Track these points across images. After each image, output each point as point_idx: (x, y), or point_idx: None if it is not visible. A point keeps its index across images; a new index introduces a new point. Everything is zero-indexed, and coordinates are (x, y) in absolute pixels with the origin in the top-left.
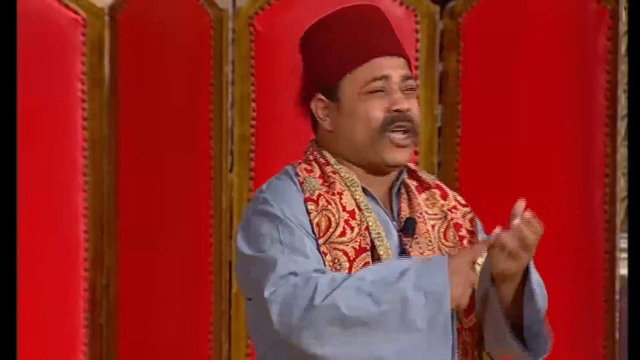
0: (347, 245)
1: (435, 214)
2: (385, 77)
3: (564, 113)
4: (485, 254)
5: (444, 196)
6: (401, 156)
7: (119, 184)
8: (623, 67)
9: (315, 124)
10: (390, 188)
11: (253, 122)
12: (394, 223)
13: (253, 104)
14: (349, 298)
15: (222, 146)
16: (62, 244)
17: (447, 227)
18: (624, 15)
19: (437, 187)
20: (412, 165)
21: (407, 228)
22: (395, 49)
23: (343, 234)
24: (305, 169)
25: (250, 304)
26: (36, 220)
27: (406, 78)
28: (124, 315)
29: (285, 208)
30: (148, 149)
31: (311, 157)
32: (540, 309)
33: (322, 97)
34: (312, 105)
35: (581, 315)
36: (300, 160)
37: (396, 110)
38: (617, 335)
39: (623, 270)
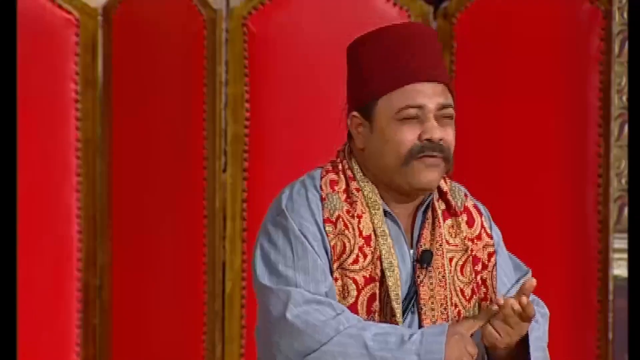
0: (358, 273)
1: (456, 245)
2: (420, 107)
3: (557, 113)
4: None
5: (470, 224)
6: (430, 177)
7: (112, 184)
8: (616, 68)
9: (350, 135)
10: (417, 209)
11: (247, 123)
12: (412, 251)
13: (247, 105)
14: (348, 348)
15: (215, 147)
16: (55, 244)
17: (466, 262)
18: (617, 16)
19: (466, 211)
20: (445, 186)
21: (423, 260)
22: (435, 75)
23: (356, 261)
24: (331, 181)
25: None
26: (29, 220)
27: (443, 107)
28: (117, 316)
29: (304, 223)
30: (141, 150)
31: (340, 167)
32: None
33: (357, 115)
34: (348, 120)
35: (574, 315)
36: (329, 166)
37: (428, 140)
38: (610, 335)
39: (616, 270)
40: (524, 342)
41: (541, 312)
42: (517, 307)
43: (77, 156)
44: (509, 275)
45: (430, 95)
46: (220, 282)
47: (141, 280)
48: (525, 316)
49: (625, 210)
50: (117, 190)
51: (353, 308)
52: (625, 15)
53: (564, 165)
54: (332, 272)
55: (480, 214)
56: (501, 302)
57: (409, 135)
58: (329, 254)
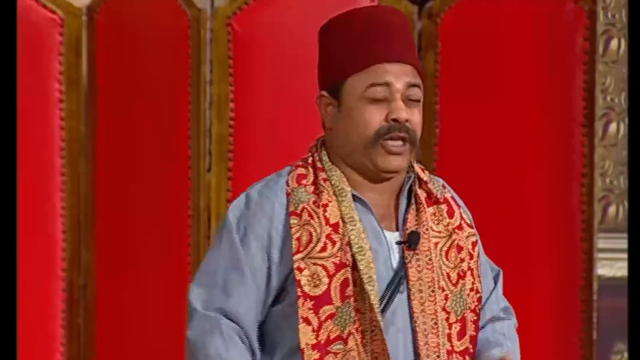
0: (327, 260)
1: (440, 232)
2: (387, 84)
3: (542, 113)
4: None
5: (451, 214)
6: (395, 163)
7: (96, 184)
8: (600, 68)
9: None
10: (397, 195)
11: (231, 123)
12: (396, 233)
13: (231, 104)
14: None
15: (200, 146)
16: (39, 244)
17: (450, 247)
18: (601, 16)
19: (445, 201)
20: (423, 175)
21: (411, 241)
22: (403, 55)
23: (324, 249)
24: (299, 175)
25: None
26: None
27: (410, 86)
28: (102, 316)
29: (249, 231)
30: (126, 149)
31: (310, 160)
32: None
33: (326, 94)
34: (318, 100)
35: (558, 315)
36: (299, 162)
37: (394, 120)
38: (594, 335)
39: (600, 270)
40: None
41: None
42: None
43: (61, 156)
44: (486, 276)
45: (397, 75)
46: None
47: (126, 280)
48: None
49: (610, 210)
50: (102, 190)
51: (326, 295)
52: (610, 14)
53: (548, 165)
54: (290, 269)
55: (458, 205)
56: None
57: (376, 116)
58: (293, 246)
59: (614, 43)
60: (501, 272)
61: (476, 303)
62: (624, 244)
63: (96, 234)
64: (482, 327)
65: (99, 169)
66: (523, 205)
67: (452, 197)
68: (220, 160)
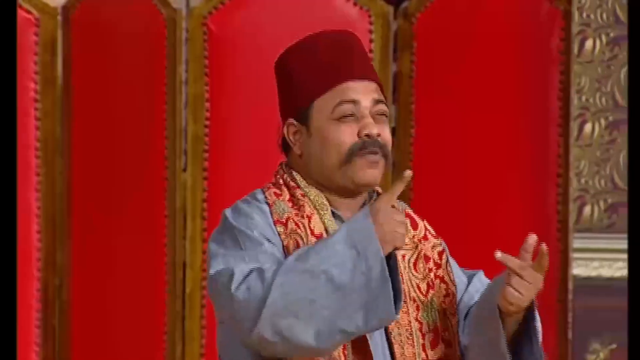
0: None
1: (407, 244)
2: (354, 102)
3: (518, 113)
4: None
5: (414, 226)
6: (371, 174)
7: (72, 183)
8: (576, 68)
9: (286, 146)
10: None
11: (207, 122)
12: None
13: (207, 104)
14: (288, 283)
15: (175, 146)
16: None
17: (417, 258)
18: (576, 16)
19: (408, 216)
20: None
21: None
22: (365, 73)
23: None
24: (275, 193)
25: (221, 328)
26: None
27: (377, 102)
28: (77, 316)
29: (249, 221)
30: (101, 149)
31: (281, 181)
32: (540, 353)
33: (293, 122)
34: (284, 129)
35: None
36: (269, 184)
37: (366, 135)
38: (569, 335)
39: (576, 270)
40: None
41: None
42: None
43: (36, 156)
44: (460, 276)
45: (363, 92)
46: (180, 282)
47: (101, 280)
48: (540, 267)
49: (585, 210)
50: (77, 190)
51: None
52: (585, 15)
53: (524, 165)
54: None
55: (422, 219)
56: (499, 255)
57: (348, 134)
58: (282, 248)
59: (589, 43)
60: (481, 272)
61: (455, 307)
62: (599, 243)
63: (72, 234)
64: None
65: (74, 168)
66: (498, 206)
67: (414, 212)
68: (196, 160)
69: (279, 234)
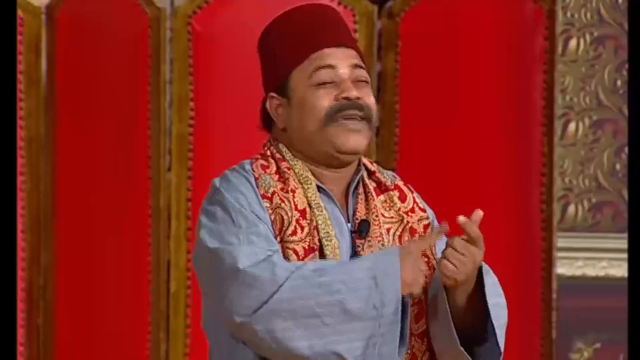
0: (298, 244)
1: (392, 217)
2: (331, 67)
3: (502, 112)
4: (435, 243)
5: (402, 198)
6: (354, 141)
7: (56, 183)
8: (560, 67)
9: (271, 122)
10: (348, 187)
11: (191, 122)
12: (349, 224)
13: (191, 104)
14: (300, 289)
15: (160, 146)
16: None
17: (403, 231)
18: (560, 15)
19: (397, 188)
20: (371, 167)
21: (361, 230)
22: (343, 40)
23: (294, 232)
24: (262, 165)
25: (207, 300)
26: None
27: (356, 67)
28: (61, 315)
29: (240, 196)
30: (86, 149)
31: (268, 153)
32: (496, 322)
33: (275, 95)
34: (267, 104)
35: (518, 314)
36: (257, 155)
37: (345, 98)
38: (554, 334)
39: (560, 269)
40: (479, 287)
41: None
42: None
43: (20, 155)
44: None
45: (341, 58)
46: (165, 282)
47: (86, 279)
48: (472, 239)
49: (569, 209)
50: (61, 190)
51: None
52: (569, 14)
53: (508, 164)
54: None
55: (411, 191)
56: (461, 219)
57: (326, 98)
58: (271, 223)
59: (573, 43)
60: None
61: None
62: (583, 243)
63: (56, 234)
64: None
65: (58, 168)
66: (483, 205)
67: (405, 184)
68: (180, 160)
69: (267, 209)
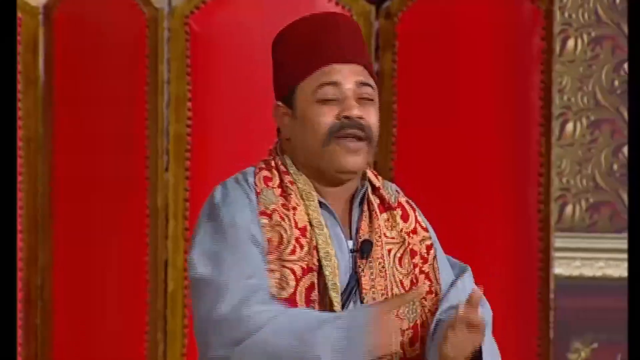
0: (296, 263)
1: (394, 238)
2: (335, 84)
3: (499, 113)
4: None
5: (405, 218)
6: (353, 162)
7: (53, 183)
8: (557, 67)
9: (279, 131)
10: (351, 202)
11: (189, 122)
12: (350, 242)
13: (188, 104)
14: (277, 336)
15: (157, 146)
16: None
17: (404, 253)
18: (558, 15)
19: (400, 206)
20: (376, 181)
21: (363, 251)
22: (352, 56)
23: (293, 252)
24: (265, 178)
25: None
26: None
27: (361, 84)
28: (59, 316)
29: (237, 214)
30: (83, 148)
31: (272, 163)
32: None
33: (281, 104)
34: (274, 112)
35: (516, 314)
36: (262, 164)
37: (345, 117)
38: (551, 334)
39: (557, 269)
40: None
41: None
42: (464, 316)
43: (18, 155)
44: (450, 273)
45: (346, 75)
46: (162, 282)
47: (83, 279)
48: (472, 326)
49: (567, 209)
50: (59, 189)
51: (292, 298)
52: (567, 14)
53: (505, 164)
54: (264, 261)
55: (414, 209)
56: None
57: (328, 115)
58: (264, 245)
59: (570, 43)
60: (469, 269)
61: (436, 306)
62: (580, 243)
63: (53, 234)
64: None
65: (56, 168)
66: (480, 205)
67: (407, 201)
68: (178, 160)
69: (263, 226)
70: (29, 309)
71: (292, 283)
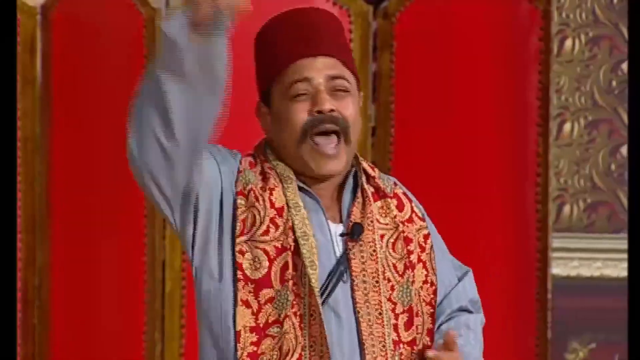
0: (269, 244)
1: (387, 224)
2: (307, 79)
3: (497, 113)
4: None
5: (400, 207)
6: (331, 166)
7: (51, 183)
8: (555, 67)
9: None
10: (340, 188)
11: None
12: (340, 225)
13: None
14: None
15: None
16: None
17: (397, 239)
18: (555, 16)
19: (395, 196)
20: (372, 172)
21: (353, 232)
22: (322, 49)
23: (266, 232)
24: (250, 162)
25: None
26: None
27: (333, 78)
28: (57, 315)
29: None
30: (81, 149)
31: (255, 154)
32: None
33: (260, 104)
34: (256, 112)
35: (513, 314)
36: (249, 152)
37: (318, 112)
38: (549, 334)
39: (555, 269)
40: None
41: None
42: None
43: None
44: (451, 274)
45: (318, 69)
46: (160, 282)
47: (81, 279)
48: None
49: (564, 209)
50: (57, 190)
51: (266, 278)
52: (564, 14)
53: (503, 164)
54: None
55: (410, 200)
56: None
57: (300, 112)
58: (237, 227)
59: (568, 43)
60: (471, 272)
61: (432, 296)
62: (578, 243)
63: (51, 234)
64: (450, 318)
65: (53, 168)
66: (478, 205)
67: (404, 193)
68: None
69: (238, 207)
70: (26, 309)
71: (266, 263)
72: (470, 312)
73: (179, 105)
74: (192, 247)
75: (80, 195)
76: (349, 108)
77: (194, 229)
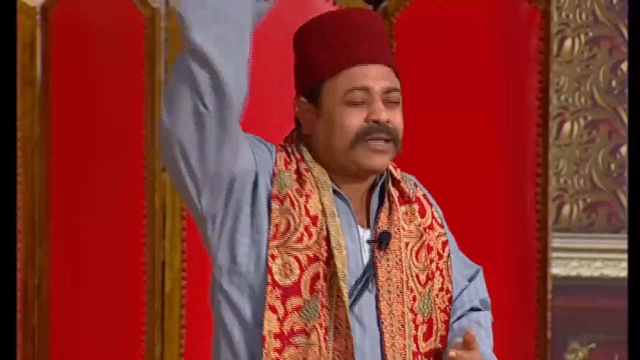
0: (302, 252)
1: (411, 232)
2: (366, 89)
3: (497, 113)
4: None
5: (422, 213)
6: (378, 161)
7: (50, 183)
8: (555, 68)
9: (297, 122)
10: (369, 192)
11: None
12: (367, 231)
13: None
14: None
15: (155, 146)
16: None
17: (421, 247)
18: (555, 16)
19: (417, 200)
20: (396, 174)
21: (381, 241)
22: (380, 57)
23: (300, 239)
24: (285, 160)
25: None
26: None
27: (389, 90)
28: (56, 316)
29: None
30: (80, 149)
31: (289, 149)
32: None
33: (304, 100)
34: (296, 106)
35: (513, 314)
36: (280, 146)
37: (374, 121)
38: (549, 334)
39: (555, 269)
40: None
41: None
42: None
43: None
44: (463, 273)
45: (376, 78)
46: (159, 282)
47: (80, 280)
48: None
49: (564, 209)
50: (56, 190)
51: (296, 286)
52: (564, 14)
53: (503, 164)
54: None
55: (430, 204)
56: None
57: (356, 118)
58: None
59: (568, 43)
60: (481, 270)
61: (446, 303)
62: (578, 243)
63: (51, 234)
64: (460, 316)
65: (53, 168)
66: (477, 205)
67: (424, 195)
68: None
69: (272, 211)
70: (26, 309)
71: (297, 271)
72: (479, 310)
73: (217, 57)
74: (220, 232)
75: (79, 196)
76: (398, 117)
77: (223, 216)
